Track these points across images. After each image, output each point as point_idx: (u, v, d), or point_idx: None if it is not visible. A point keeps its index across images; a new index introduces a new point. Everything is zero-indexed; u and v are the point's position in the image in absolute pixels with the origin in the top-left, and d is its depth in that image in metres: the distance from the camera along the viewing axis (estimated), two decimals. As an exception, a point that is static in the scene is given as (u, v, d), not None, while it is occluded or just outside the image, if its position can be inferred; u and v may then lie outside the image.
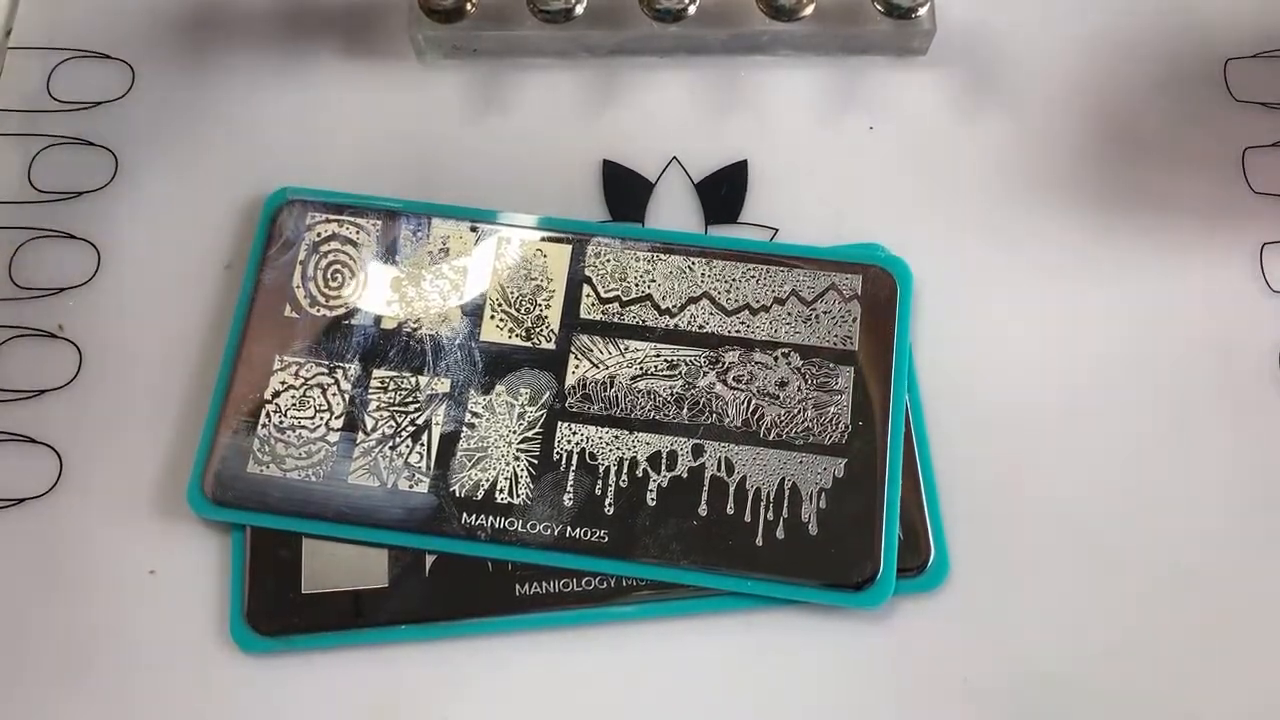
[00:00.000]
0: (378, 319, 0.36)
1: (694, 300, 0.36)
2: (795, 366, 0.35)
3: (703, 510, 0.33)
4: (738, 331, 0.35)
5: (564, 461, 0.34)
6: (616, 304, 0.36)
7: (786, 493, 0.33)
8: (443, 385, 0.35)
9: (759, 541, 0.33)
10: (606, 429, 0.34)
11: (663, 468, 0.34)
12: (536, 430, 0.34)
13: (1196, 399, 0.35)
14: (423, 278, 0.36)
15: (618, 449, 0.34)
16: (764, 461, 0.34)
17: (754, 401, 0.34)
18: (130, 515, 0.34)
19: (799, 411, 0.34)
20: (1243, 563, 0.34)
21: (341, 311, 0.36)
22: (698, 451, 0.34)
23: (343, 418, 0.34)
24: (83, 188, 0.38)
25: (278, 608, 0.33)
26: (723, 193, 0.38)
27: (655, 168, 0.38)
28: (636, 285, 0.36)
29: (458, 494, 0.33)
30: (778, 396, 0.34)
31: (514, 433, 0.34)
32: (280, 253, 0.36)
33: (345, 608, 0.33)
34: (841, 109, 0.39)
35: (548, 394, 0.35)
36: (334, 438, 0.34)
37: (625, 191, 0.38)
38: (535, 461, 0.34)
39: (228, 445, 0.34)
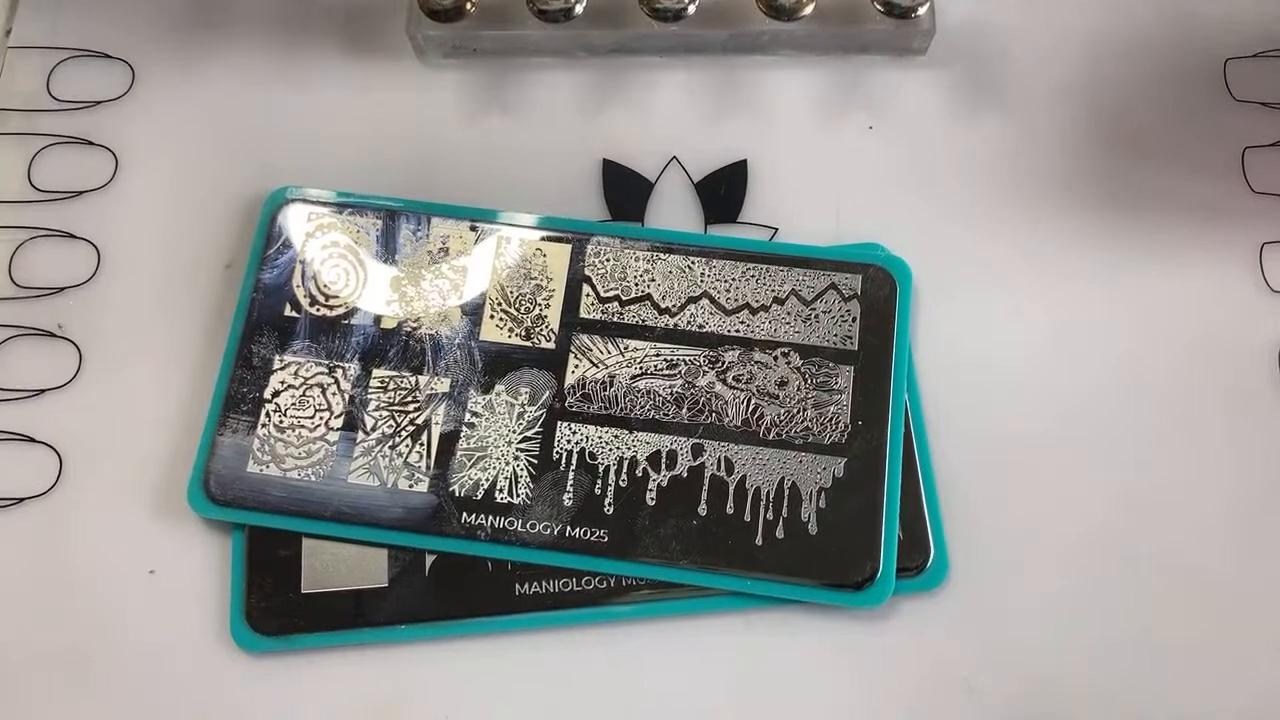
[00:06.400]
0: (377, 318, 0.36)
1: (694, 300, 0.36)
2: (795, 366, 0.35)
3: (702, 510, 0.33)
4: (737, 331, 0.35)
5: (564, 461, 0.34)
6: (616, 303, 0.36)
7: (786, 492, 0.33)
8: (442, 385, 0.35)
9: (759, 541, 0.33)
10: (606, 428, 0.34)
11: (662, 467, 0.34)
12: (536, 430, 0.34)
13: (1196, 398, 0.35)
14: (422, 277, 0.36)
15: (617, 448, 0.34)
16: (764, 461, 0.34)
17: (754, 401, 0.34)
18: (130, 515, 0.35)
19: (799, 411, 0.34)
20: (1243, 562, 0.34)
21: (341, 311, 0.36)
22: (697, 451, 0.34)
23: (342, 417, 0.34)
24: (83, 187, 0.38)
25: (278, 607, 0.33)
26: (722, 192, 0.38)
27: (655, 167, 0.38)
28: (636, 285, 0.36)
29: (457, 493, 0.33)
30: (777, 396, 0.34)
31: (514, 432, 0.34)
32: (280, 252, 0.36)
33: (345, 607, 0.33)
34: (841, 109, 0.39)
35: (547, 393, 0.35)
36: (334, 437, 0.34)
37: (625, 191, 0.38)
38: (535, 461, 0.34)
39: (228, 445, 0.34)
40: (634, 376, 0.35)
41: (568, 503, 0.33)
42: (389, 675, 0.33)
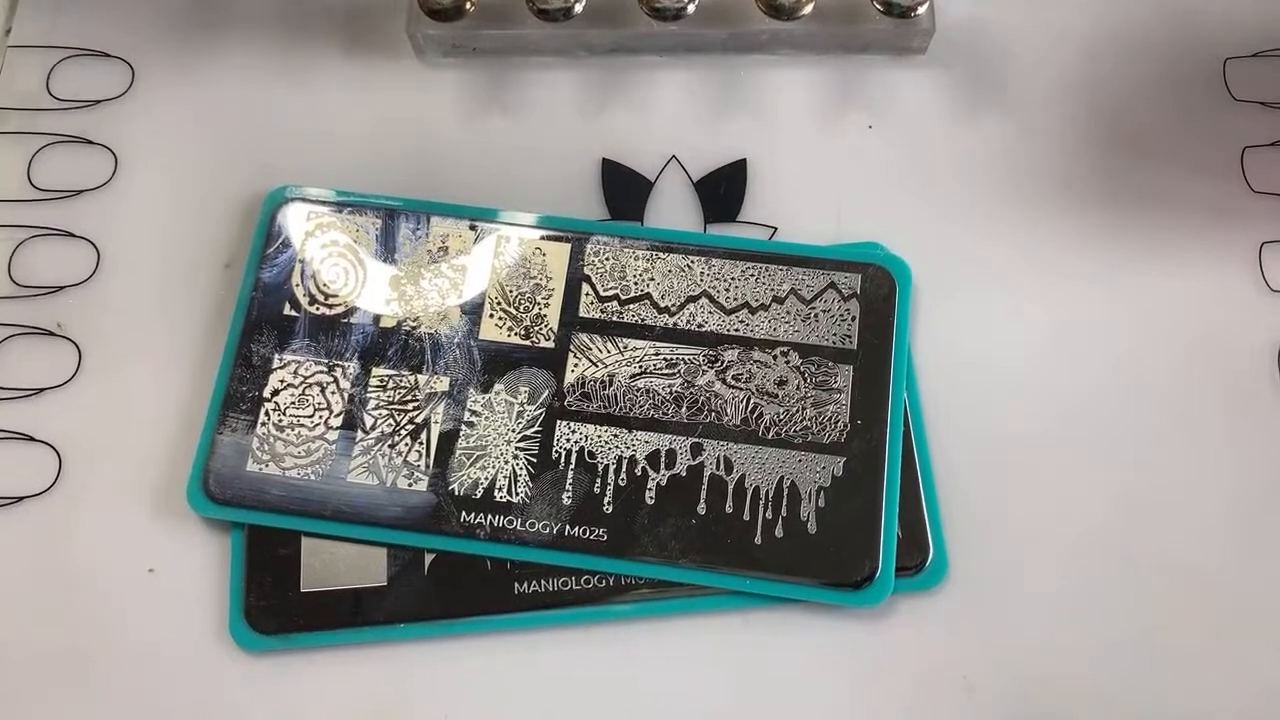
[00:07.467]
0: (377, 317, 0.36)
1: (693, 299, 0.36)
2: (794, 365, 0.35)
3: (701, 509, 0.33)
4: (737, 330, 0.35)
5: (563, 460, 0.34)
6: (615, 302, 0.36)
7: (785, 491, 0.33)
8: (442, 384, 0.35)
9: (758, 540, 0.33)
10: (605, 427, 0.34)
11: (661, 466, 0.34)
12: (535, 429, 0.34)
13: (1196, 398, 0.35)
14: (422, 276, 0.36)
15: (616, 447, 0.34)
16: (763, 460, 0.34)
17: (753, 400, 0.34)
18: (130, 514, 0.34)
19: (798, 410, 0.34)
20: (1243, 562, 0.34)
21: (340, 310, 0.36)
22: (696, 450, 0.34)
23: (342, 416, 0.34)
24: (82, 186, 0.38)
25: (277, 606, 0.33)
26: (722, 191, 0.38)
27: (654, 166, 0.38)
28: (635, 284, 0.36)
29: (457, 492, 0.33)
30: (777, 395, 0.34)
31: (513, 431, 0.34)
32: (279, 251, 0.36)
33: (344, 606, 0.33)
34: (841, 108, 0.39)
35: (547, 392, 0.35)
36: (333, 436, 0.34)
37: (624, 190, 0.38)
38: (534, 460, 0.34)
39: (227, 444, 0.34)
40: (633, 375, 0.35)
41: (567, 501, 0.33)
42: (388, 674, 0.33)
